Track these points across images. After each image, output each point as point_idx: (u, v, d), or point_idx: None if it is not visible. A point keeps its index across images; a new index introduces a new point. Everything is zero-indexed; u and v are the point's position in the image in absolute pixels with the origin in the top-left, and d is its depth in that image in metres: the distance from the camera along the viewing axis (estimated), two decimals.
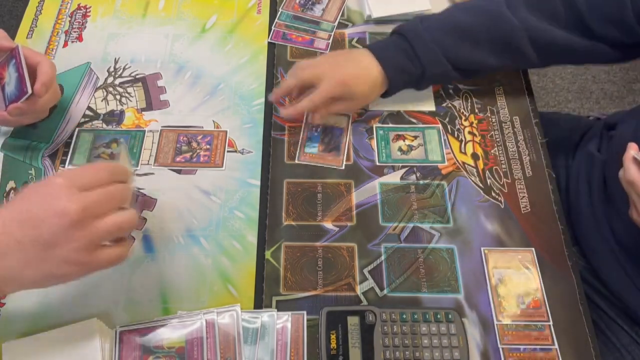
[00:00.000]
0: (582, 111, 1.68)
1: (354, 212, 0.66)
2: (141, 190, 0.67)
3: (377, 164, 0.70)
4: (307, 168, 0.69)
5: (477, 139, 0.72)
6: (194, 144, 0.70)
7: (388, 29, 0.82)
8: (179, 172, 0.68)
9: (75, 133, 0.71)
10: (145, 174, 0.68)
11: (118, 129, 0.72)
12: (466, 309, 0.59)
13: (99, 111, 0.73)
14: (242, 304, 0.58)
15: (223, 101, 0.75)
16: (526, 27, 0.66)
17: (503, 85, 0.77)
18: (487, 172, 0.69)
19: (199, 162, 0.69)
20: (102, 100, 0.74)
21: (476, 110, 0.75)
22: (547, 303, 0.60)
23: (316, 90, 0.66)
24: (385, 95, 0.71)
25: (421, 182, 0.68)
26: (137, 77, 0.77)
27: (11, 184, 0.67)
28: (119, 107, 0.74)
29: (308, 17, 0.83)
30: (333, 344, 0.56)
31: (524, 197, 0.67)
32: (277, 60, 0.79)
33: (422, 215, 0.66)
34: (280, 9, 0.84)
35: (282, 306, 0.59)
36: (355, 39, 0.82)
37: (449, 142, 0.72)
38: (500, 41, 0.67)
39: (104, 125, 0.72)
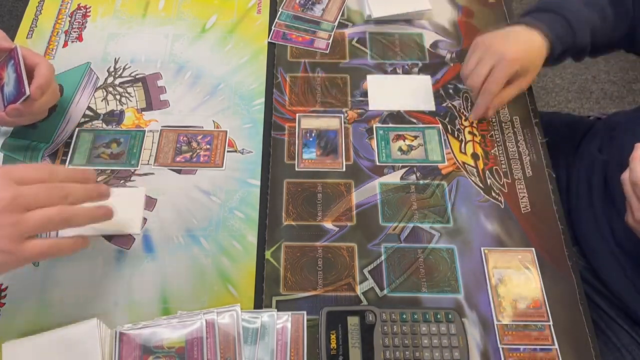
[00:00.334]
0: (582, 111, 1.68)
1: (354, 212, 0.66)
2: None
3: (377, 164, 0.70)
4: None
5: (477, 139, 0.72)
6: (194, 144, 0.70)
7: (388, 29, 0.83)
8: (179, 172, 0.68)
9: (75, 133, 0.71)
10: (145, 174, 0.68)
11: (118, 129, 0.72)
12: (466, 309, 0.59)
13: (99, 111, 0.73)
14: (242, 304, 0.58)
15: (223, 101, 0.75)
16: None
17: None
18: (487, 172, 0.69)
19: (199, 162, 0.69)
20: (102, 100, 0.74)
21: None
22: (547, 303, 0.60)
23: (491, 78, 0.65)
24: (548, 63, 0.72)
25: (421, 182, 0.68)
26: (137, 77, 0.77)
27: None
28: (119, 107, 0.74)
29: (308, 17, 0.83)
30: (333, 344, 0.56)
31: (524, 197, 0.67)
32: (277, 60, 0.79)
33: (422, 215, 0.66)
34: (280, 9, 0.84)
35: (282, 306, 0.59)
36: (355, 39, 0.82)
37: (449, 142, 0.72)
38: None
39: (104, 125, 0.72)
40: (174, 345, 0.55)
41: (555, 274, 0.62)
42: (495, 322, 0.59)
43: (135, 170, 0.68)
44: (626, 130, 0.70)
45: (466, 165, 0.70)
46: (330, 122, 0.73)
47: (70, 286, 0.60)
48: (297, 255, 0.63)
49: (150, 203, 0.66)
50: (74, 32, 0.81)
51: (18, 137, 0.70)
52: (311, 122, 0.73)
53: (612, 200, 0.68)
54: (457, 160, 0.70)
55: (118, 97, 0.75)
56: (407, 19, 0.84)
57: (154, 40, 0.80)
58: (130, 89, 0.75)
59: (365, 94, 0.76)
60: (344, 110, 0.74)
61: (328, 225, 0.65)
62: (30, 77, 0.63)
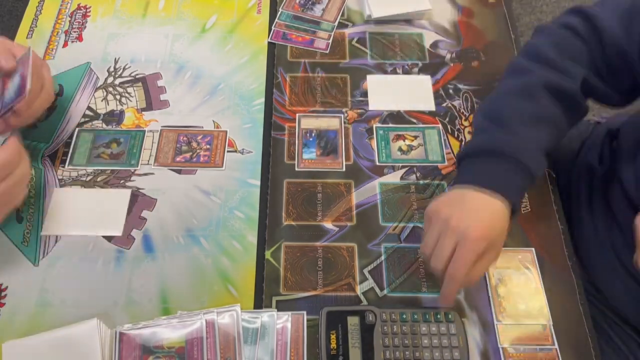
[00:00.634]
0: None
1: (354, 212, 0.66)
2: (141, 190, 0.67)
3: (377, 164, 0.70)
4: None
5: None
6: (194, 144, 0.70)
7: (388, 29, 0.83)
8: (179, 172, 0.68)
9: (75, 133, 0.71)
10: (145, 174, 0.68)
11: (118, 129, 0.72)
12: (466, 309, 0.59)
13: (99, 111, 0.73)
14: (242, 304, 0.58)
15: (223, 101, 0.75)
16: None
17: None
18: None
19: (199, 162, 0.69)
20: (102, 100, 0.74)
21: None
22: (547, 303, 0.60)
23: (455, 264, 0.53)
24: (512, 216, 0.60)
25: (421, 182, 0.68)
26: (137, 77, 0.77)
27: None
28: (119, 107, 0.74)
29: (308, 17, 0.83)
30: (333, 344, 0.56)
31: (524, 197, 0.67)
32: (277, 60, 0.79)
33: (422, 215, 0.65)
34: (280, 9, 0.84)
35: (282, 306, 0.59)
36: (355, 39, 0.82)
37: (449, 142, 0.72)
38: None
39: (104, 125, 0.72)
40: (174, 345, 0.55)
41: (555, 274, 0.62)
42: (495, 322, 0.59)
43: (135, 170, 0.68)
44: (627, 141, 0.68)
45: None
46: (330, 122, 0.73)
47: (70, 286, 0.60)
48: (297, 255, 0.63)
49: (150, 203, 0.66)
50: (74, 32, 0.81)
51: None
52: (311, 122, 0.73)
53: (612, 213, 0.67)
54: None
55: (118, 97, 0.75)
56: (407, 19, 0.84)
57: (154, 40, 0.80)
58: (130, 89, 0.75)
59: (365, 94, 0.76)
60: (344, 110, 0.74)
61: (328, 225, 0.65)
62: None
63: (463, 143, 0.72)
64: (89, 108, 0.74)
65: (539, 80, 0.61)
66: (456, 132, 0.73)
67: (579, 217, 0.72)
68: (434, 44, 0.81)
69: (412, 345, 0.56)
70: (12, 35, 0.80)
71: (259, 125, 0.72)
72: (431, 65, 0.79)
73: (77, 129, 0.71)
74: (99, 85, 0.76)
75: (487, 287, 0.61)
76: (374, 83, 0.77)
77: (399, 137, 0.72)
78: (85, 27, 0.82)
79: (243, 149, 0.70)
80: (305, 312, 0.58)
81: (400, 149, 0.71)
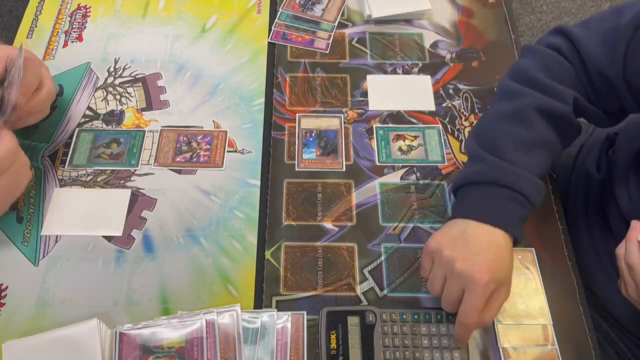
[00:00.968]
0: None
1: (354, 212, 0.66)
2: (141, 190, 0.67)
3: (377, 164, 0.70)
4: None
5: None
6: (194, 144, 0.70)
7: (388, 29, 0.83)
8: (179, 172, 0.68)
9: (75, 133, 0.71)
10: (145, 174, 0.68)
11: (118, 129, 0.72)
12: None
13: (99, 111, 0.73)
14: (242, 304, 0.58)
15: (223, 101, 0.75)
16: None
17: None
18: None
19: (199, 162, 0.69)
20: (102, 100, 0.74)
21: (476, 110, 0.75)
22: (547, 303, 0.60)
23: (465, 312, 0.52)
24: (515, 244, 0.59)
25: (421, 182, 0.68)
26: (137, 77, 0.77)
27: None
28: (119, 107, 0.74)
29: (308, 17, 0.83)
30: (333, 344, 0.56)
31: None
32: (277, 60, 0.79)
33: (422, 215, 0.66)
34: (280, 9, 0.84)
35: (282, 306, 0.59)
36: (355, 39, 0.82)
37: (449, 142, 0.72)
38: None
39: (104, 125, 0.72)
40: (174, 345, 0.55)
41: (555, 274, 0.62)
42: (495, 322, 0.59)
43: (135, 170, 0.68)
44: (621, 155, 0.68)
45: None
46: (330, 122, 0.73)
47: (70, 286, 0.60)
48: (297, 255, 0.63)
49: (150, 203, 0.66)
50: (74, 32, 0.81)
51: (18, 137, 0.70)
52: (311, 122, 0.73)
53: (608, 223, 0.67)
54: (457, 160, 0.70)
55: (118, 97, 0.75)
56: (407, 19, 0.84)
57: (154, 40, 0.80)
58: (130, 89, 0.75)
59: (365, 94, 0.76)
60: (344, 110, 0.74)
61: (328, 225, 0.65)
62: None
63: (463, 143, 0.72)
64: (89, 108, 0.74)
65: (530, 104, 0.60)
66: (456, 132, 0.73)
67: (575, 223, 0.71)
68: (434, 44, 0.81)
69: (412, 345, 0.55)
70: (12, 35, 0.80)
71: (259, 125, 0.72)
72: (431, 65, 0.79)
73: (77, 129, 0.71)
74: (99, 85, 0.76)
75: None
76: (374, 83, 0.77)
77: (399, 137, 0.72)
78: (85, 27, 0.82)
79: (243, 149, 0.70)
80: (305, 312, 0.58)
81: (400, 149, 0.71)
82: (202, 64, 0.78)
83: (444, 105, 0.75)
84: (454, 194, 0.62)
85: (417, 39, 0.82)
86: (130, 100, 0.74)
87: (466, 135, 0.72)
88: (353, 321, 0.57)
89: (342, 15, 0.84)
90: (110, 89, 0.76)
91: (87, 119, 0.73)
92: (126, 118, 0.73)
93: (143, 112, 0.73)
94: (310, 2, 0.85)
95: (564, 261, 0.63)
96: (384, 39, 0.82)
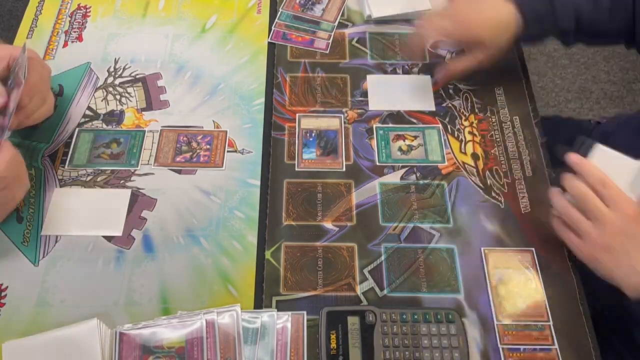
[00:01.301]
0: (582, 111, 1.68)
1: (354, 212, 0.66)
2: (141, 190, 0.67)
3: (377, 164, 0.70)
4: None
5: (477, 139, 0.72)
6: (194, 144, 0.71)
7: (388, 29, 0.83)
8: (179, 172, 0.68)
9: (75, 133, 0.71)
10: (145, 174, 0.68)
11: (118, 129, 0.72)
12: (466, 309, 0.59)
13: (99, 111, 0.73)
14: (242, 304, 0.58)
15: (223, 101, 0.75)
16: None
17: (503, 85, 0.77)
18: (487, 172, 0.69)
19: (199, 162, 0.69)
20: (102, 100, 0.74)
21: (476, 110, 0.75)
22: (547, 303, 0.60)
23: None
24: (525, 41, 0.71)
25: (421, 182, 0.68)
26: (137, 77, 0.77)
27: None
28: (119, 107, 0.74)
29: (308, 17, 0.83)
30: (333, 344, 0.56)
31: (524, 197, 0.67)
32: (277, 60, 0.79)
33: (422, 215, 0.66)
34: (280, 9, 0.84)
35: (282, 306, 0.59)
36: (355, 39, 0.82)
37: (449, 142, 0.72)
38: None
39: (104, 125, 0.72)
40: (174, 345, 0.55)
41: (555, 274, 0.62)
42: (495, 322, 0.59)
43: (135, 170, 0.68)
44: (625, 141, 0.68)
45: (466, 165, 0.70)
46: (330, 122, 0.73)
47: (70, 286, 0.60)
48: (297, 255, 0.63)
49: (150, 203, 0.66)
50: (74, 32, 0.81)
51: (18, 137, 0.70)
52: (311, 122, 0.73)
53: None
54: (457, 160, 0.70)
55: (118, 97, 0.75)
56: (407, 19, 0.84)
57: (154, 40, 0.80)
58: (130, 89, 0.75)
59: (365, 94, 0.76)
60: (344, 110, 0.74)
61: (328, 225, 0.65)
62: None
63: (463, 143, 0.72)
64: (89, 108, 0.74)
65: None
66: (456, 132, 0.73)
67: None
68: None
69: (412, 345, 0.56)
70: (12, 35, 0.80)
71: (259, 125, 0.72)
72: (431, 65, 0.79)
73: (77, 129, 0.71)
74: (99, 85, 0.76)
75: (487, 287, 0.61)
76: (374, 83, 0.77)
77: (399, 137, 0.72)
78: (85, 27, 0.82)
79: (243, 149, 0.70)
80: (305, 312, 0.58)
81: (400, 149, 0.71)
82: (202, 64, 0.78)
83: (444, 105, 0.75)
84: None
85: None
86: (130, 100, 0.74)
87: (466, 135, 0.72)
88: (353, 321, 0.57)
89: (342, 15, 0.84)
90: (110, 89, 0.76)
91: (87, 119, 0.73)
92: (126, 118, 0.73)
93: (143, 112, 0.73)
94: (310, 2, 0.85)
95: (564, 261, 0.63)
96: (384, 39, 0.82)
